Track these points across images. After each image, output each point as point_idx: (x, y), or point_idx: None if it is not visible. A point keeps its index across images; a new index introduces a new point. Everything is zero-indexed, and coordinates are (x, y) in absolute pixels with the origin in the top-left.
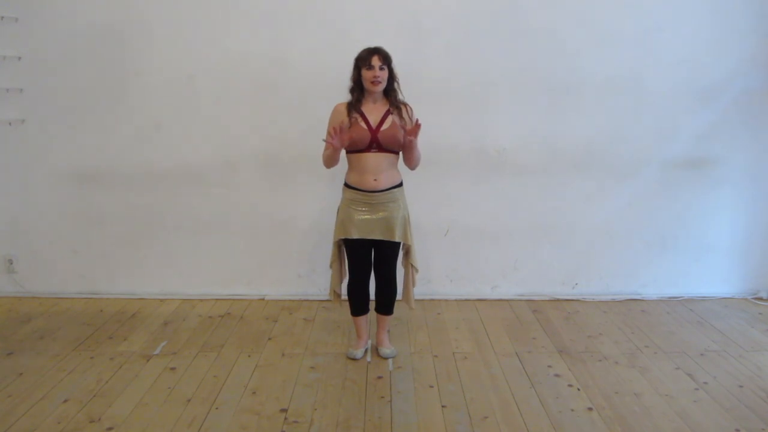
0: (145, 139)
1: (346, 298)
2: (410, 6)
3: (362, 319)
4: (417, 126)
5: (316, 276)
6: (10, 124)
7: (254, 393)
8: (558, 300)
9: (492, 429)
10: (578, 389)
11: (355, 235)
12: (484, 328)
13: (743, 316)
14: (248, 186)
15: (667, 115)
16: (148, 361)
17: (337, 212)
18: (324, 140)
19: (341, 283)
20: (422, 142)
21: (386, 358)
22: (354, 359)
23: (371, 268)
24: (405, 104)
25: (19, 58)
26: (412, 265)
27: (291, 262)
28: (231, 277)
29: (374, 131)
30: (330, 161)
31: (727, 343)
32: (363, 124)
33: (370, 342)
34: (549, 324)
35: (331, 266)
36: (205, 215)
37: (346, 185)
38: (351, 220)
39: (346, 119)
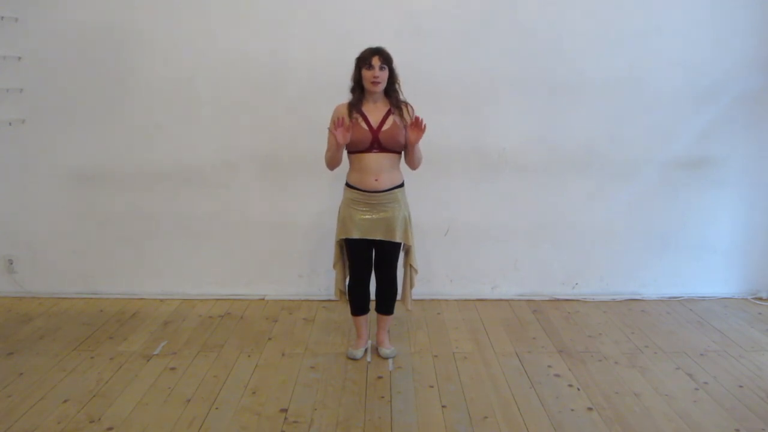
0: (145, 139)
1: None
2: (410, 6)
3: (362, 319)
4: (419, 125)
5: (317, 276)
6: (10, 124)
7: (254, 393)
8: (558, 300)
9: (492, 429)
10: (578, 389)
11: (356, 235)
12: (484, 328)
13: (743, 316)
14: (248, 186)
15: (667, 115)
16: (148, 361)
17: (338, 212)
18: (329, 128)
19: (346, 282)
20: (422, 142)
21: (386, 358)
22: (354, 359)
23: (372, 268)
24: (406, 104)
25: (19, 58)
26: (411, 266)
27: (291, 262)
28: (231, 277)
29: (375, 131)
30: (333, 162)
31: (727, 343)
32: (364, 125)
33: (370, 342)
34: (549, 324)
35: (334, 266)
36: (205, 215)
37: (347, 185)
38: (352, 219)
39: (347, 119)
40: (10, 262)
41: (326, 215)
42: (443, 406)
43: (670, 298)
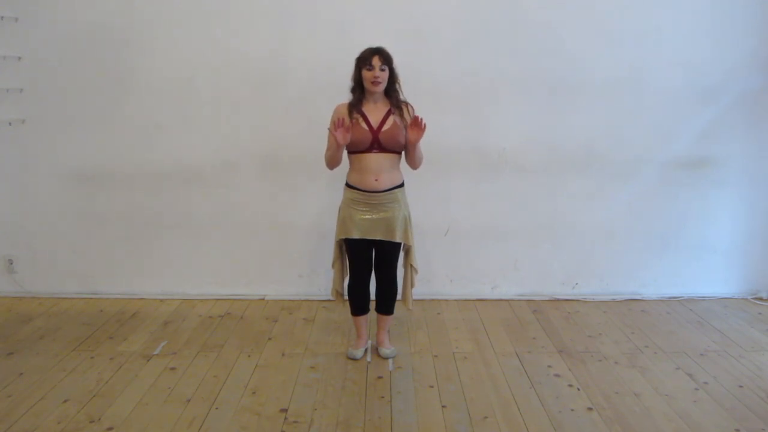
0: (145, 139)
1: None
2: (410, 7)
3: (362, 319)
4: (419, 125)
5: (317, 276)
6: (10, 124)
7: (254, 393)
8: (558, 300)
9: (492, 429)
10: (578, 389)
11: (356, 235)
12: (484, 328)
13: (743, 316)
14: (248, 186)
15: (667, 115)
16: (148, 361)
17: (338, 212)
18: (329, 129)
19: (343, 282)
20: (423, 141)
21: (386, 358)
22: (354, 359)
23: (372, 268)
24: (407, 103)
25: (19, 58)
26: (411, 266)
27: (291, 262)
28: (231, 277)
29: (375, 132)
30: (332, 161)
31: (727, 343)
32: (364, 125)
33: (370, 342)
34: (549, 324)
35: (333, 266)
36: (205, 215)
37: (347, 185)
38: (352, 219)
39: (347, 119)
40: (10, 262)
41: (326, 215)
42: (443, 406)
43: (670, 298)
